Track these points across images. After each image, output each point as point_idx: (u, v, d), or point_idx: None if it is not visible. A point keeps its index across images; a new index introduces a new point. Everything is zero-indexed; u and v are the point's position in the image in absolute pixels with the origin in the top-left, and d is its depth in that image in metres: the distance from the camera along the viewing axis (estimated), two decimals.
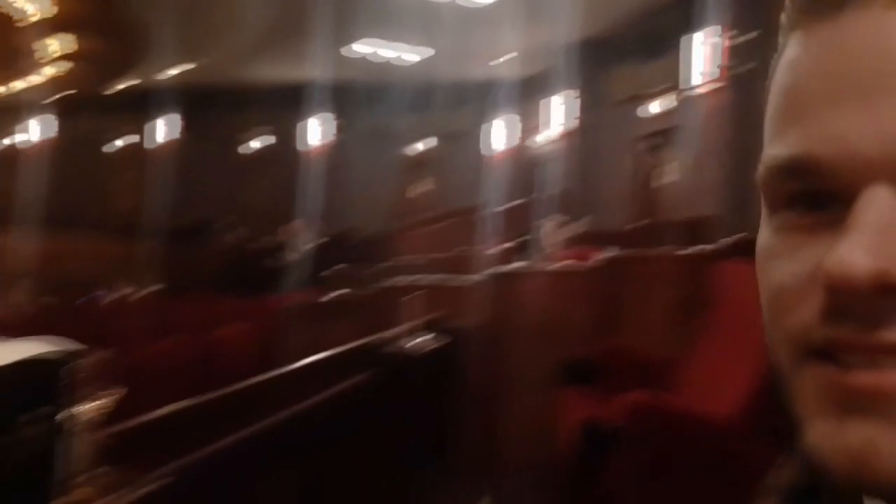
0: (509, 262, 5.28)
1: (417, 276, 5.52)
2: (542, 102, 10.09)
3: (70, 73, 11.95)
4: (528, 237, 6.02)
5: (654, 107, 8.59)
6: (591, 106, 9.39)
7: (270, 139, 14.42)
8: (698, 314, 3.37)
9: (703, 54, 7.19)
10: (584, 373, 3.53)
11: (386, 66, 11.09)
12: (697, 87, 7.27)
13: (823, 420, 0.32)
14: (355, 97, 11.88)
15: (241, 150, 14.64)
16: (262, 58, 11.32)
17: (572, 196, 8.17)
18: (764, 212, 0.37)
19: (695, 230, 5.45)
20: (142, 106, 13.28)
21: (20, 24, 9.55)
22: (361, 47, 10.70)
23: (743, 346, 2.73)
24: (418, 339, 3.71)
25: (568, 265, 4.82)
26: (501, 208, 7.91)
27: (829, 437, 0.32)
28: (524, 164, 10.26)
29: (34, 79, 12.79)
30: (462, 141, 12.35)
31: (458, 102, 11.71)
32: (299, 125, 12.56)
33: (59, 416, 1.34)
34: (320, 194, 10.06)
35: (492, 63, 10.50)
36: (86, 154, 14.94)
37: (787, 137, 0.34)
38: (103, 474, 1.47)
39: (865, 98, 0.31)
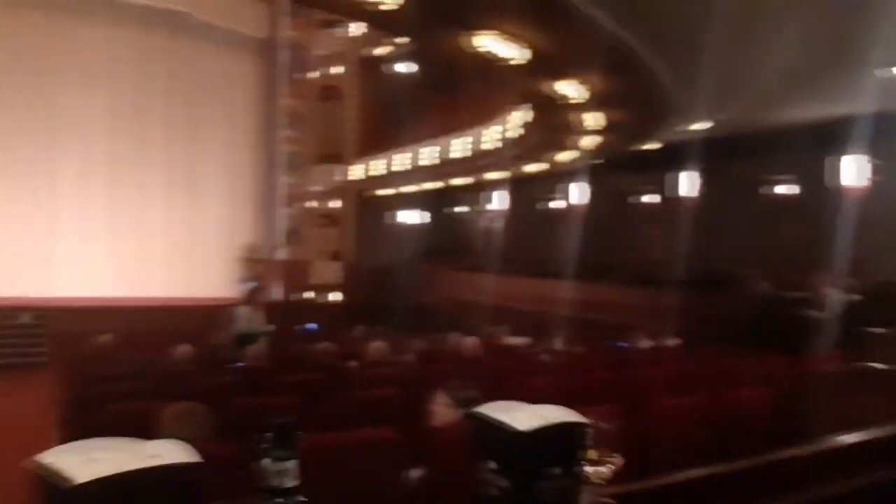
0: None
1: None
2: None
3: (602, 141, 13.35)
4: None
5: None
6: None
7: (797, 184, 13.52)
8: None
9: None
10: None
11: None
12: None
13: None
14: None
15: (766, 197, 14.03)
16: (790, 99, 10.74)
17: None
18: None
19: None
20: (665, 161, 13.92)
21: (563, 105, 11.10)
22: None
23: None
24: None
25: None
26: None
27: None
28: None
29: (573, 149, 14.69)
30: None
31: None
32: (829, 166, 11.45)
33: (574, 474, 1.53)
34: (854, 243, 8.97)
35: None
36: (615, 211, 16.35)
37: None
38: None
39: None
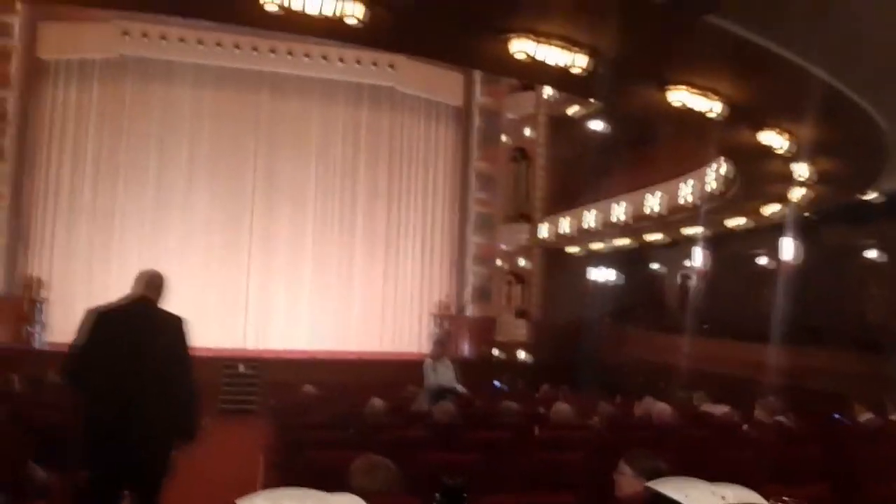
0: None
1: None
2: None
3: (813, 193, 12.32)
4: None
5: None
6: None
7: None
8: None
9: None
10: None
11: None
12: None
13: None
14: None
15: None
16: None
17: None
18: None
19: None
20: (888, 213, 12.58)
21: (767, 156, 10.43)
22: None
23: None
24: None
25: None
26: None
27: None
28: None
29: (781, 202, 13.69)
30: None
31: None
32: None
33: None
34: None
35: None
36: (829, 267, 14.90)
37: None
38: None
39: None
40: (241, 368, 15.45)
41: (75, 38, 16.85)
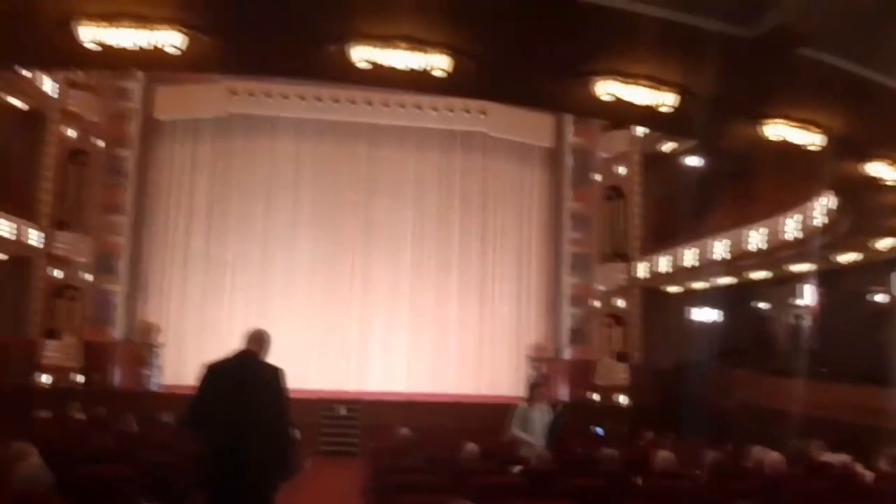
0: None
1: None
2: None
3: None
4: None
5: None
6: None
7: None
8: None
9: None
10: None
11: None
12: None
13: None
14: None
15: None
16: None
17: None
18: None
19: None
20: None
21: (878, 188, 9.87)
22: None
23: None
24: None
25: None
26: None
27: None
28: None
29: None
30: None
31: None
32: None
33: None
34: None
35: None
36: None
37: None
38: None
39: None
40: (342, 410, 15.78)
41: (188, 99, 18.12)
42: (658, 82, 7.80)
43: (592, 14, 6.31)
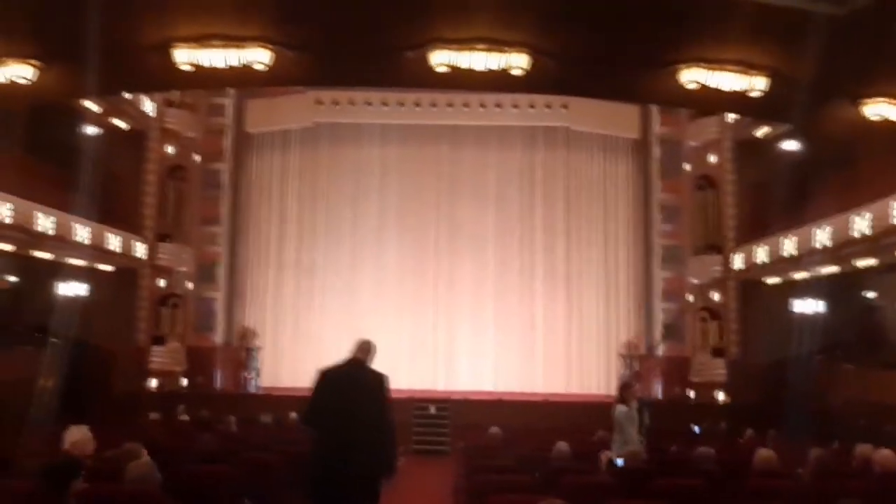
0: None
1: None
2: None
3: None
4: None
5: None
6: None
7: None
8: None
9: None
10: None
11: None
12: None
13: None
14: None
15: None
16: None
17: None
18: None
19: None
20: None
21: None
22: None
23: None
24: None
25: None
26: None
27: None
28: None
29: None
30: None
31: None
32: None
33: None
34: None
35: None
36: None
37: None
38: None
39: None
40: (432, 410, 15.94)
41: (276, 111, 18.78)
42: (748, 67, 7.54)
43: (678, 2, 6.16)
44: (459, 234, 19.24)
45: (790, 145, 16.53)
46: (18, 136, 13.87)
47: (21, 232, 12.73)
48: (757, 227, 17.00)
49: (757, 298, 17.70)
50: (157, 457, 5.11)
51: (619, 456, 7.60)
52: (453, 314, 19.00)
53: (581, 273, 19.20)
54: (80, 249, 14.54)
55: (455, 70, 7.39)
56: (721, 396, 16.89)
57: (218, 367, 18.10)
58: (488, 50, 7.33)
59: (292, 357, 18.59)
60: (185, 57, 7.49)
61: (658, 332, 18.43)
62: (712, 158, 18.02)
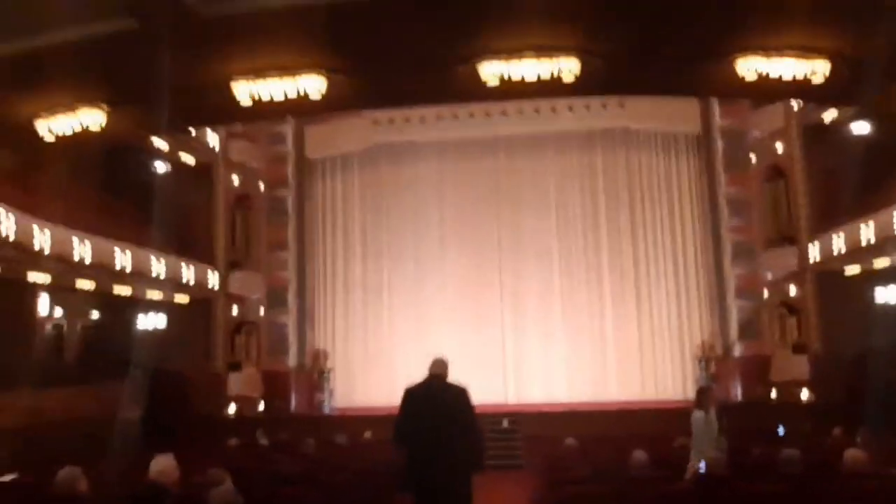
0: None
1: None
2: None
3: None
4: None
5: None
6: None
7: None
8: None
9: None
10: None
11: None
12: None
13: None
14: None
15: None
16: None
17: None
18: None
19: None
20: None
21: None
22: None
23: None
24: None
25: None
26: None
27: None
28: None
29: None
30: None
31: None
32: None
33: None
34: None
35: None
36: None
37: None
38: None
39: None
40: (505, 423, 15.82)
41: (335, 135, 19.14)
42: (808, 51, 7.29)
43: None
44: (522, 243, 19.11)
45: (861, 127, 15.82)
46: (93, 175, 14.53)
47: (100, 269, 13.32)
48: (832, 216, 16.31)
49: (837, 290, 16.93)
50: (240, 481, 5.24)
51: (698, 462, 7.38)
52: (521, 325, 18.85)
53: (650, 275, 18.78)
54: (157, 283, 15.10)
55: (505, 81, 7.39)
56: (805, 394, 16.21)
57: (293, 390, 18.45)
58: (537, 57, 7.30)
59: (364, 377, 18.80)
60: (244, 91, 7.74)
61: (734, 331, 17.86)
62: (779, 147, 17.40)
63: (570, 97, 16.67)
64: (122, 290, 15.40)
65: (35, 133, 8.24)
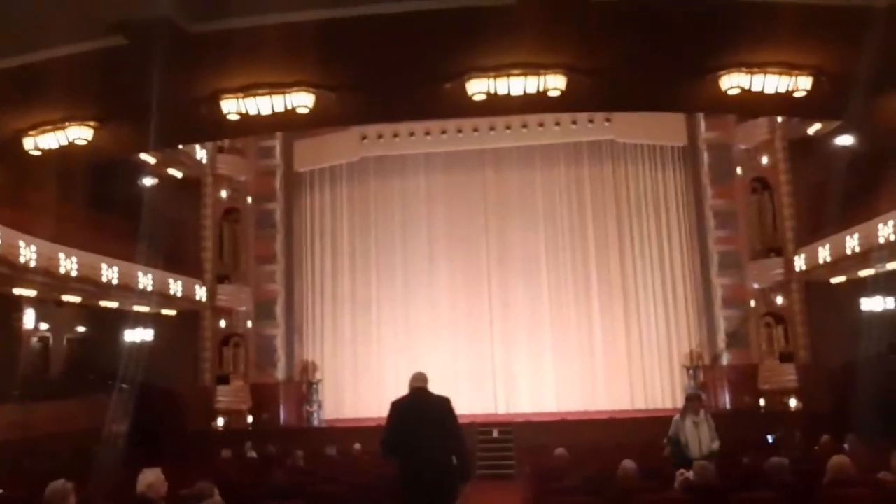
0: None
1: None
2: None
3: None
4: None
5: None
6: None
7: None
8: None
9: None
10: None
11: None
12: None
13: None
14: None
15: None
16: None
17: None
18: None
19: None
20: None
21: None
22: None
23: None
24: None
25: None
26: None
27: None
28: None
29: None
30: None
31: None
32: None
33: None
34: None
35: None
36: None
37: None
38: None
39: None
40: (495, 433, 15.83)
41: (323, 149, 19.18)
42: (791, 67, 7.40)
43: (717, 10, 6.12)
44: (510, 256, 19.20)
45: (845, 140, 16.06)
46: (81, 191, 14.50)
47: (87, 283, 13.26)
48: (817, 227, 16.51)
49: (823, 299, 17.12)
50: (229, 494, 5.23)
51: (686, 471, 7.43)
52: (510, 336, 18.91)
53: (637, 286, 18.91)
54: (144, 296, 15.04)
55: (492, 97, 7.45)
56: (793, 403, 16.33)
57: (281, 402, 18.37)
58: (524, 74, 7.37)
59: (353, 388, 18.76)
60: (233, 107, 7.76)
61: (721, 340, 17.98)
62: (765, 160, 17.62)
63: (556, 113, 16.80)
64: (109, 304, 15.33)
65: (22, 149, 8.21)
